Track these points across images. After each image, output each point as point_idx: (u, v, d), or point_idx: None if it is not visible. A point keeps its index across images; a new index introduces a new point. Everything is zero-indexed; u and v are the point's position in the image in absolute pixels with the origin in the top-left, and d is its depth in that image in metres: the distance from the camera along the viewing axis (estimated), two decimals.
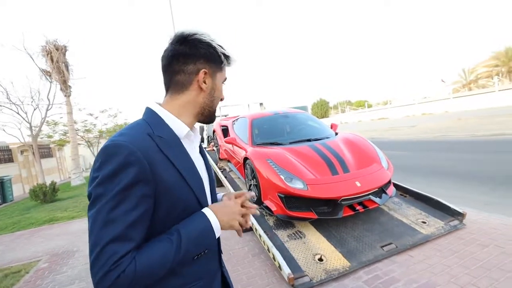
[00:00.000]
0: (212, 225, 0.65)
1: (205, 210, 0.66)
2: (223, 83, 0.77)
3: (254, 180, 3.04)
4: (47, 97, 12.13)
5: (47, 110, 12.25)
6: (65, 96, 12.09)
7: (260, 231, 2.61)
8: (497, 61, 27.07)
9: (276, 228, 2.74)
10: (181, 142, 0.69)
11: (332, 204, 2.54)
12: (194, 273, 0.67)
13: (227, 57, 0.74)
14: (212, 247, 0.74)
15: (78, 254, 3.49)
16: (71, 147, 12.42)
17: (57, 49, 11.69)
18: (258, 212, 0.80)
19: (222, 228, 0.67)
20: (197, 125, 0.83)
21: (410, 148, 8.33)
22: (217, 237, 0.67)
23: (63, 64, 11.90)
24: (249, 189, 3.27)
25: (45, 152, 17.12)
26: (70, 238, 4.25)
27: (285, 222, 2.81)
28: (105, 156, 0.57)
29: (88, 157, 21.78)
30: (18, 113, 11.71)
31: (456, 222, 2.57)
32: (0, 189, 10.04)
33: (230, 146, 4.28)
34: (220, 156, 5.16)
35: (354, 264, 2.15)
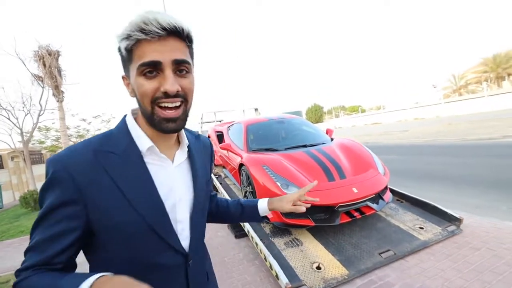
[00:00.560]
0: None
1: (91, 279, 0.46)
2: (149, 71, 0.54)
3: (250, 186, 3.00)
4: (39, 103, 11.93)
5: (39, 115, 12.03)
6: (58, 101, 11.88)
7: (257, 239, 2.55)
8: (485, 67, 27.87)
9: (272, 235, 2.70)
10: (141, 159, 0.60)
11: (329, 211, 2.51)
12: None
13: (122, 39, 0.54)
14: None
15: None
16: None
17: (49, 54, 11.53)
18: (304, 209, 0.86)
19: None
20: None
21: (402, 152, 8.41)
22: None
23: (56, 69, 11.72)
24: (245, 196, 3.22)
25: (37, 158, 16.77)
26: None
27: (282, 230, 2.76)
28: (45, 169, 0.57)
29: None
30: (9, 118, 11.47)
31: (453, 227, 2.57)
32: None
33: (225, 152, 4.24)
34: (215, 163, 5.11)
35: (353, 272, 2.11)
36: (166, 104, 0.57)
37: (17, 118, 11.64)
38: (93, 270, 0.57)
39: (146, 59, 0.53)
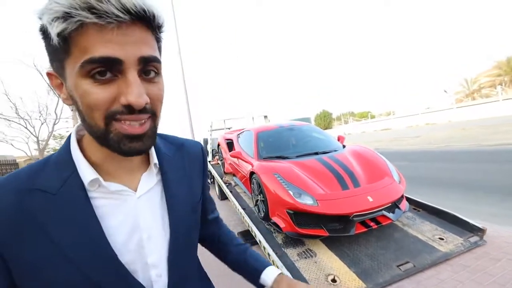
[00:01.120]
0: None
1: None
2: (101, 72, 0.38)
3: (261, 195, 2.96)
4: (55, 112, 12.36)
5: (54, 124, 12.50)
6: (72, 110, 12.29)
7: (269, 249, 2.50)
8: (499, 71, 27.14)
9: (285, 246, 2.63)
10: (85, 195, 0.45)
11: (343, 220, 2.44)
12: None
13: (60, 17, 0.35)
14: None
15: None
16: None
17: None
18: None
19: None
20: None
21: (414, 158, 8.20)
22: None
23: None
24: (256, 205, 3.19)
25: None
26: None
27: (294, 240, 2.70)
28: None
29: None
30: (26, 127, 11.92)
31: (476, 238, 2.44)
32: None
33: (235, 160, 4.23)
34: (225, 170, 5.10)
35: (370, 285, 2.02)
36: (128, 122, 0.41)
37: (33, 127, 12.11)
38: None
39: (96, 54, 0.36)
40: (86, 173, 0.46)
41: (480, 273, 2.01)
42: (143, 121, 0.43)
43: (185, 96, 11.03)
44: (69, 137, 0.49)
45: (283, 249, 2.58)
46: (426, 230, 2.66)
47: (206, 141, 7.95)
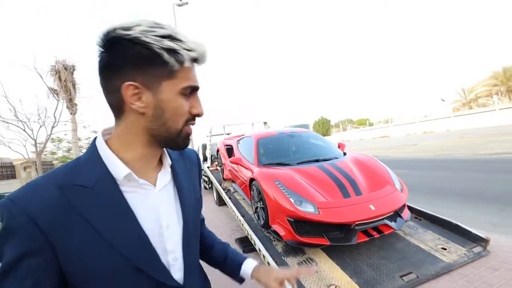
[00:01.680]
0: None
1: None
2: (189, 93, 0.56)
3: (261, 202, 2.92)
4: (54, 115, 12.30)
5: (52, 127, 12.40)
6: (71, 113, 12.29)
7: (269, 258, 2.45)
8: (495, 81, 27.52)
9: (285, 254, 2.58)
10: (117, 188, 0.53)
11: (345, 229, 2.40)
12: None
13: (177, 53, 0.50)
14: None
15: None
16: None
17: (65, 69, 12.06)
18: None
19: None
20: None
21: (412, 166, 8.21)
22: None
23: (71, 83, 12.20)
24: (255, 212, 3.14)
25: (48, 168, 17.07)
26: None
27: (295, 248, 2.65)
28: None
29: None
30: (24, 130, 11.82)
31: (479, 248, 2.41)
32: None
33: (235, 166, 4.20)
34: (224, 177, 5.05)
35: None
36: (191, 126, 0.60)
37: (32, 130, 12.00)
38: None
39: (193, 84, 0.55)
40: (120, 168, 0.54)
41: (478, 282, 1.98)
42: None
43: None
44: (94, 141, 0.58)
45: (283, 257, 2.53)
46: (428, 240, 2.62)
47: (205, 147, 7.88)
